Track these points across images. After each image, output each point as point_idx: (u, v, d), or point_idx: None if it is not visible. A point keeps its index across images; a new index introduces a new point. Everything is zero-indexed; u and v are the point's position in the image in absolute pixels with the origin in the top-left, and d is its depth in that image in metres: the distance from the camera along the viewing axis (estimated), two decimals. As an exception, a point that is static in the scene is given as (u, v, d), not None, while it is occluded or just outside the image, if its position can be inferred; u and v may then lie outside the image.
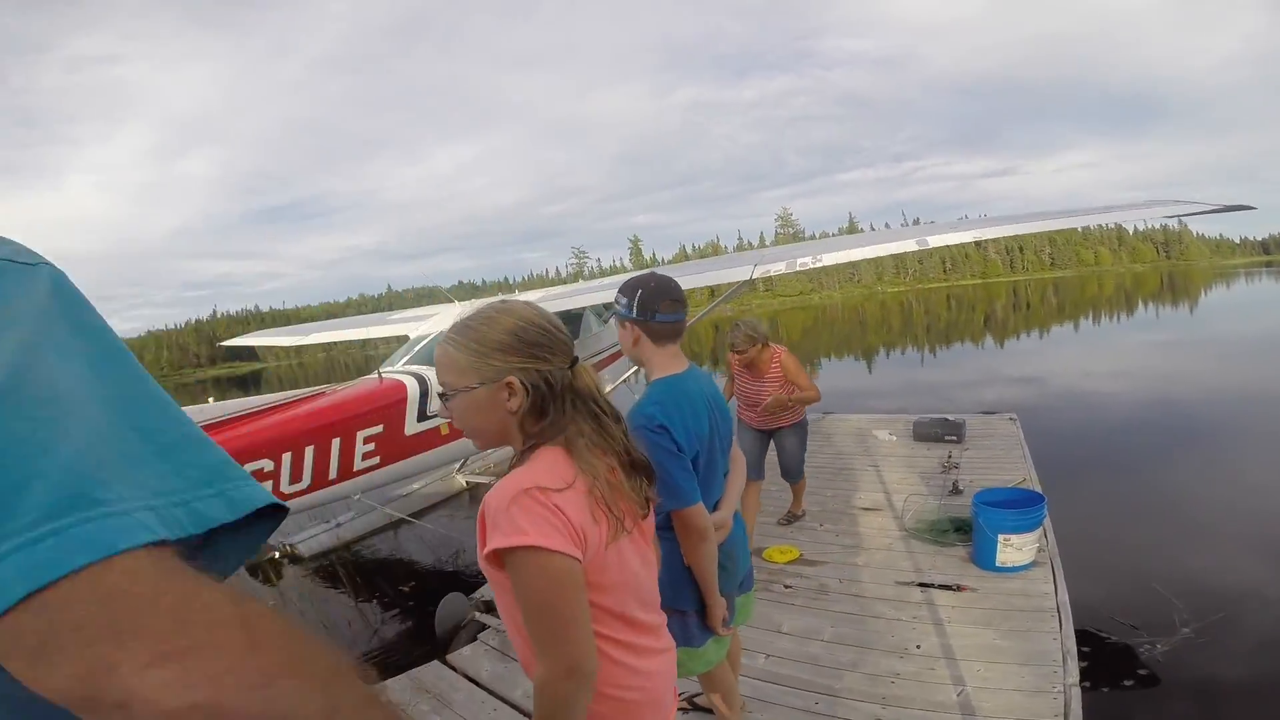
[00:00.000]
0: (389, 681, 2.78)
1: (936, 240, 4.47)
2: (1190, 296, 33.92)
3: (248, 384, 45.88)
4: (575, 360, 1.06)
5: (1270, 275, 52.79)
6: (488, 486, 4.46)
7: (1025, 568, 3.19)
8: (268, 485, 2.62)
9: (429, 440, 4.41)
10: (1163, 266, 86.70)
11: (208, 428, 3.55)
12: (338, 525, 5.51)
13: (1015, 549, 3.13)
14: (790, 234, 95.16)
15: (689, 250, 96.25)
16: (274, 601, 4.69)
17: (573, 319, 5.87)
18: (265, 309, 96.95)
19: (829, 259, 4.68)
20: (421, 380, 4.39)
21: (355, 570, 5.25)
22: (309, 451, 3.68)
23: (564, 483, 0.95)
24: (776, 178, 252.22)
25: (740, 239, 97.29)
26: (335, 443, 3.83)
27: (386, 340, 7.44)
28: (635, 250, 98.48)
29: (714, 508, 1.66)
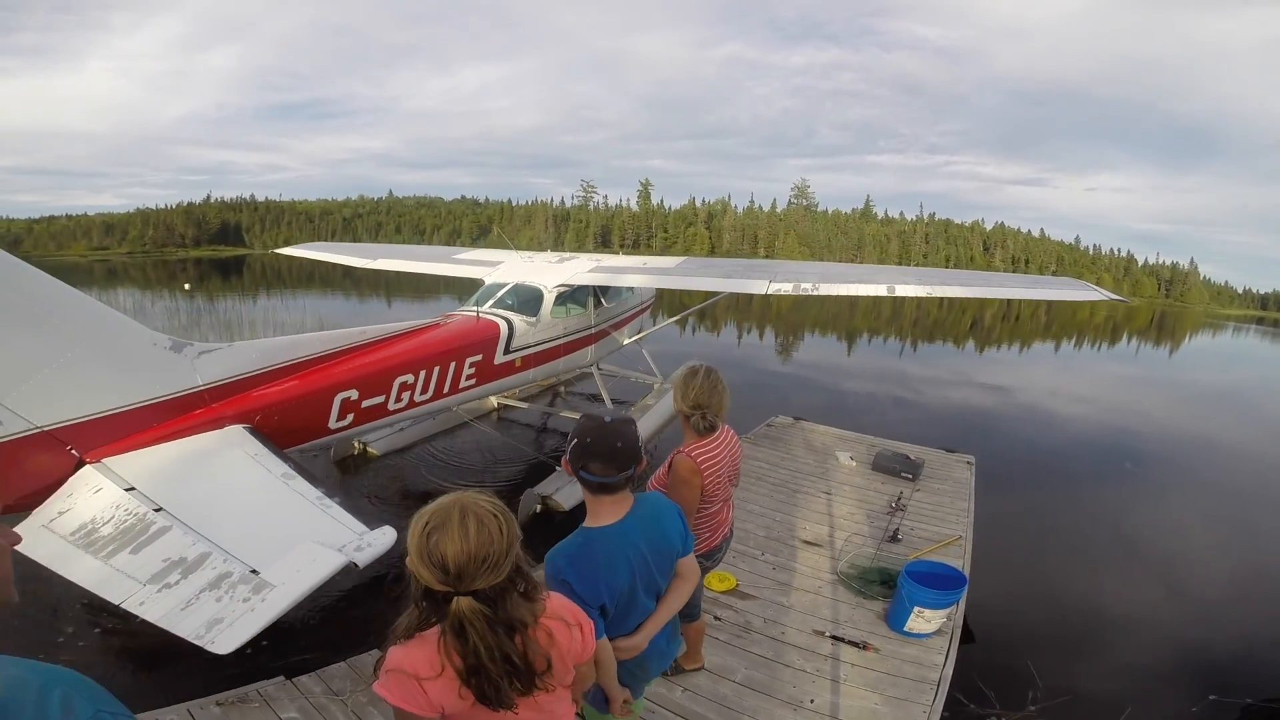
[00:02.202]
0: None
1: (901, 290, 5.50)
2: (1174, 339, 34.41)
3: (229, 269, 45.06)
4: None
5: (1258, 332, 53.52)
6: (514, 409, 6.67)
7: (928, 636, 3.50)
8: (408, 395, 4.49)
9: (507, 369, 5.86)
10: (1159, 304, 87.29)
11: (369, 346, 4.56)
12: (401, 429, 6.75)
13: (925, 620, 3.43)
14: (804, 205, 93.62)
15: (698, 204, 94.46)
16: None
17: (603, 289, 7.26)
18: (261, 199, 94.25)
19: (825, 289, 5.65)
20: (508, 323, 5.83)
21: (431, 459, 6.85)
22: (436, 370, 4.93)
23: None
24: (803, 147, 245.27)
25: (752, 201, 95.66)
26: (452, 365, 5.11)
27: (448, 279, 8.80)
28: (644, 194, 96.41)
29: (634, 628, 1.84)
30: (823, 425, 7.74)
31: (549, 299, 6.43)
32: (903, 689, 3.12)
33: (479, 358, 5.41)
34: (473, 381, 5.39)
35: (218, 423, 3.62)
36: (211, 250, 77.15)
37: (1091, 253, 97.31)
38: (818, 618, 3.71)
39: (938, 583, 3.44)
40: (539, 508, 5.46)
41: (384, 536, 2.94)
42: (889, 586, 3.90)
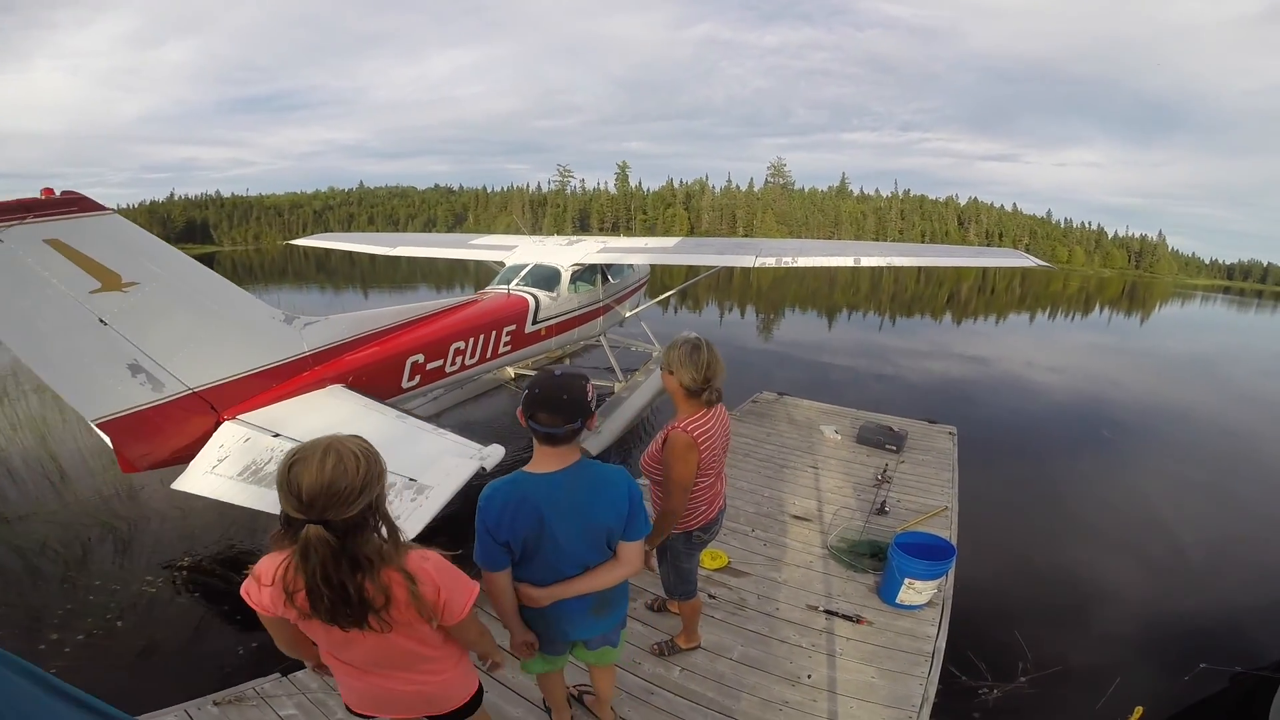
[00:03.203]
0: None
1: (867, 261, 6.61)
2: (1145, 309, 35.16)
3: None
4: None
5: (1225, 301, 54.97)
6: (526, 377, 7.94)
7: (919, 608, 3.54)
8: (460, 359, 5.28)
9: (535, 338, 6.62)
10: (1130, 275, 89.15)
11: (429, 318, 5.26)
12: (434, 399, 7.32)
13: (916, 592, 3.46)
14: (780, 184, 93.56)
15: (676, 185, 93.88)
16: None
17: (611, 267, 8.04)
18: (227, 194, 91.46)
19: (803, 262, 6.63)
20: (534, 298, 6.59)
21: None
22: (481, 338, 5.69)
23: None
24: (778, 126, 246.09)
25: (730, 180, 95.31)
26: (492, 334, 5.85)
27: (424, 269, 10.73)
28: (622, 176, 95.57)
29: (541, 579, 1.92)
30: (807, 400, 7.81)
31: (565, 276, 7.18)
32: (898, 661, 3.15)
33: (513, 328, 6.24)
34: (509, 348, 6.20)
35: (321, 383, 4.24)
36: (179, 249, 75.21)
37: (1063, 226, 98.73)
38: (810, 592, 3.73)
39: (927, 554, 3.47)
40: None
41: (497, 451, 3.52)
42: (879, 559, 3.94)
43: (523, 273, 7.10)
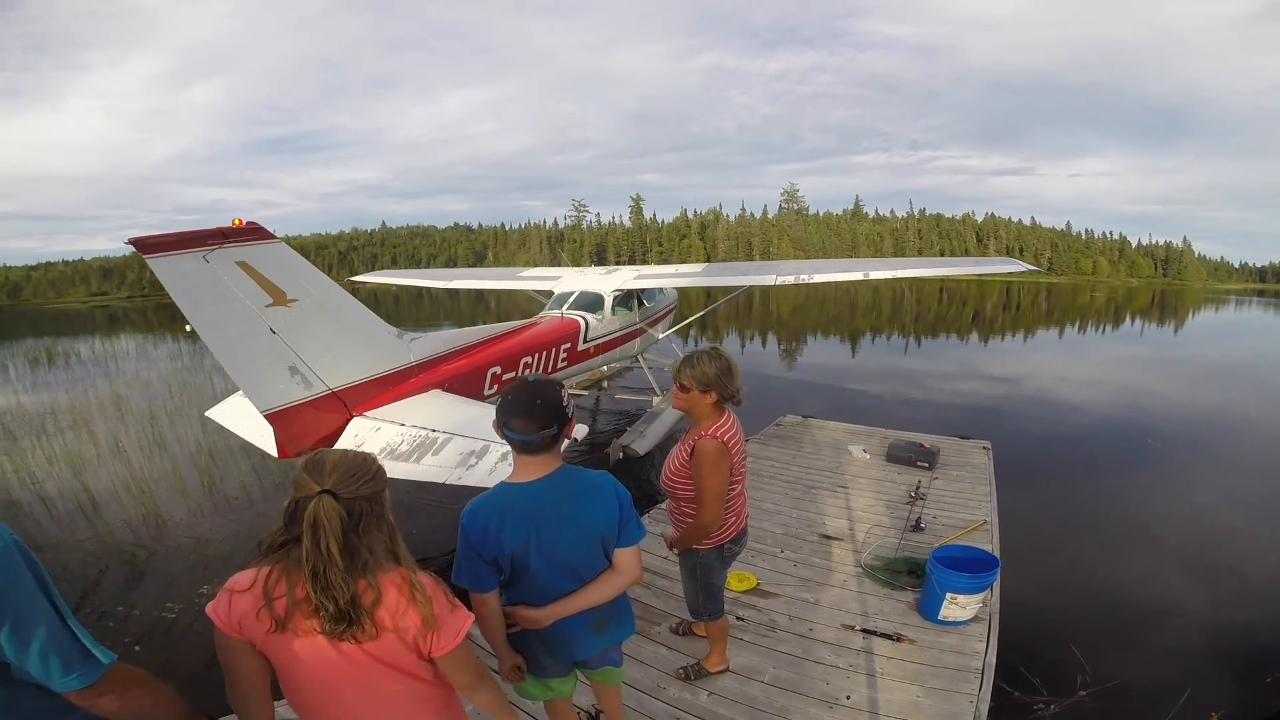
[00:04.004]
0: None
1: (876, 273, 7.34)
2: (1178, 317, 34.24)
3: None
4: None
5: (1260, 304, 53.43)
6: (576, 395, 8.44)
7: (964, 623, 3.34)
8: (528, 373, 5.85)
9: (586, 355, 7.32)
10: (1158, 283, 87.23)
11: (503, 336, 6.05)
12: None
13: (959, 607, 3.27)
14: (794, 210, 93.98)
15: (690, 215, 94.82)
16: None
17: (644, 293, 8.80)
18: None
19: (818, 278, 7.30)
20: (584, 320, 7.34)
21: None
22: (541, 355, 6.36)
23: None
24: (788, 152, 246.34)
25: (744, 209, 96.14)
26: (553, 351, 6.57)
27: (509, 291, 10.29)
28: (636, 209, 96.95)
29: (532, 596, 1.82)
30: (833, 421, 7.65)
31: (609, 301, 7.90)
32: (944, 679, 2.96)
33: (569, 345, 6.94)
34: (565, 363, 6.89)
35: (424, 388, 4.83)
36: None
37: (1084, 237, 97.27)
38: (846, 612, 3.55)
39: (969, 566, 3.28)
40: (621, 454, 6.93)
41: (582, 429, 4.04)
42: (917, 576, 3.76)
43: (571, 299, 7.84)
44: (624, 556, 1.85)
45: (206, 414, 5.39)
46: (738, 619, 3.48)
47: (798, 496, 5.31)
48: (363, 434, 4.32)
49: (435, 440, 4.09)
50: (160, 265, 3.48)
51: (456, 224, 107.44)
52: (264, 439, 4.63)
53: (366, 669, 1.39)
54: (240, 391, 4.76)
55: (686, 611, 3.13)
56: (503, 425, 1.74)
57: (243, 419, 4.99)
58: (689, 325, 10.67)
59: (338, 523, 1.30)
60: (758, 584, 3.84)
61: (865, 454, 6.33)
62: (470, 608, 1.55)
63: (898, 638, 3.26)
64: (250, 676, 1.40)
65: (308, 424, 4.21)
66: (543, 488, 1.75)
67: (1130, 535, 5.79)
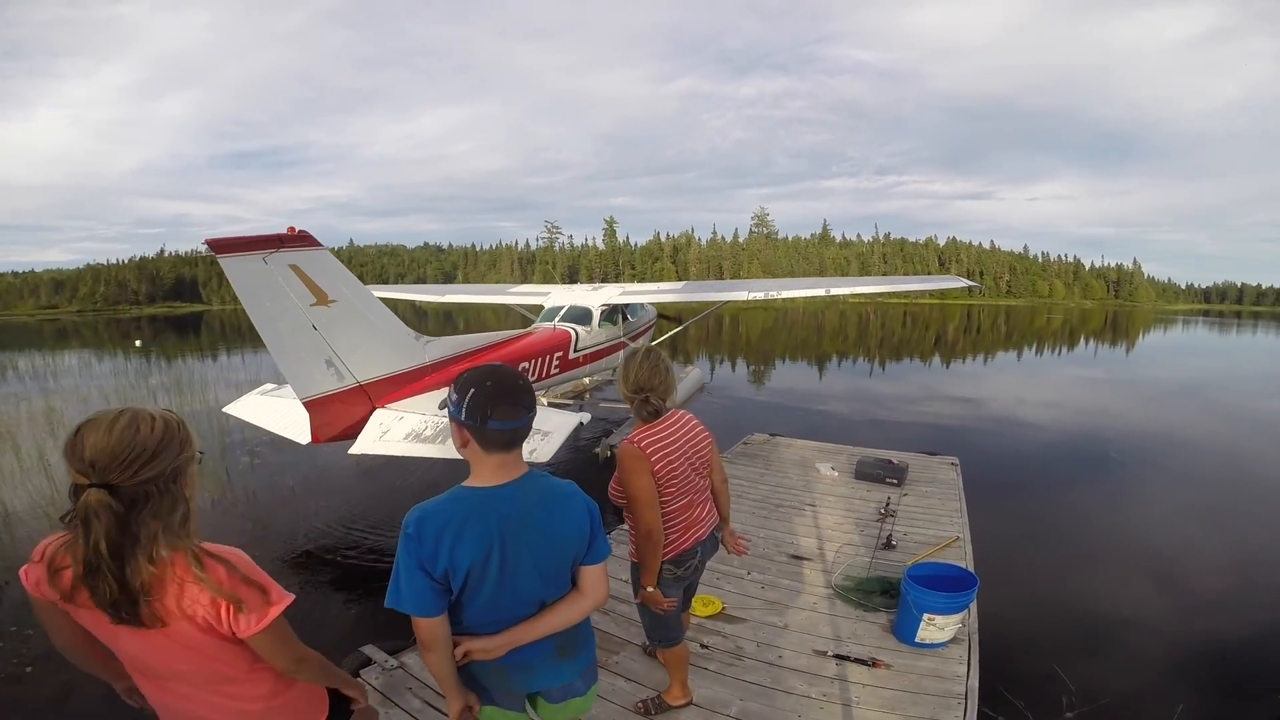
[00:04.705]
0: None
1: (836, 290, 8.59)
2: (1129, 338, 35.48)
3: (186, 325, 43.45)
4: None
5: (1205, 324, 55.90)
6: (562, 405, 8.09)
7: (943, 645, 3.15)
8: (528, 375, 6.16)
9: (576, 364, 7.82)
10: (1110, 305, 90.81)
11: (505, 342, 6.71)
12: None
13: (938, 628, 3.08)
14: (764, 234, 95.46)
15: (663, 239, 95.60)
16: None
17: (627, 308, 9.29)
18: None
19: (785, 294, 8.66)
20: (575, 331, 7.82)
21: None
22: (537, 361, 6.88)
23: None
24: (759, 176, 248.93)
25: (715, 233, 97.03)
26: (545, 358, 7.05)
27: (492, 306, 11.95)
28: (610, 231, 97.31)
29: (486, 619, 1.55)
30: (800, 440, 7.54)
31: (596, 315, 8.41)
32: (926, 706, 2.76)
33: (561, 354, 7.41)
34: (558, 369, 7.36)
35: (437, 385, 5.18)
36: (167, 307, 74.48)
37: (1041, 260, 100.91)
38: (817, 636, 3.33)
39: (945, 585, 3.10)
40: (610, 453, 7.30)
41: (586, 415, 4.90)
42: (891, 596, 3.57)
43: (561, 312, 8.32)
44: (591, 575, 1.63)
45: (224, 409, 6.06)
46: (701, 646, 3.24)
47: (765, 516, 5.12)
48: (387, 423, 4.83)
49: None
50: (228, 264, 3.93)
51: (426, 243, 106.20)
52: (286, 428, 5.31)
53: (165, 649, 1.30)
54: (257, 390, 6.04)
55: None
56: (481, 418, 1.46)
57: (263, 412, 5.73)
58: (666, 340, 10.99)
59: (108, 519, 1.18)
60: (723, 608, 3.60)
61: (833, 471, 6.19)
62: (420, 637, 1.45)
63: (873, 663, 3.05)
64: (64, 631, 1.38)
65: (338, 412, 4.72)
66: (510, 493, 1.52)
67: (1100, 548, 5.76)
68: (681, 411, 2.49)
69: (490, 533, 1.47)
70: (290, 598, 1.36)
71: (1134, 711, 3.39)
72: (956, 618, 3.08)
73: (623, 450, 2.27)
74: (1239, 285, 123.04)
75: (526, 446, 4.21)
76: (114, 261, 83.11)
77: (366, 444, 4.78)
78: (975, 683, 2.89)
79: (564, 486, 1.62)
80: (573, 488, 1.63)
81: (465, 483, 1.54)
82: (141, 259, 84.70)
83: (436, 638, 1.48)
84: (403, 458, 4.80)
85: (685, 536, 2.41)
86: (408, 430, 4.70)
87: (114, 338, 31.79)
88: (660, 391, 2.34)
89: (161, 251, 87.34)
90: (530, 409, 1.54)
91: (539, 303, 9.28)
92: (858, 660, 3.07)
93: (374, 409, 4.86)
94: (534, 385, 6.23)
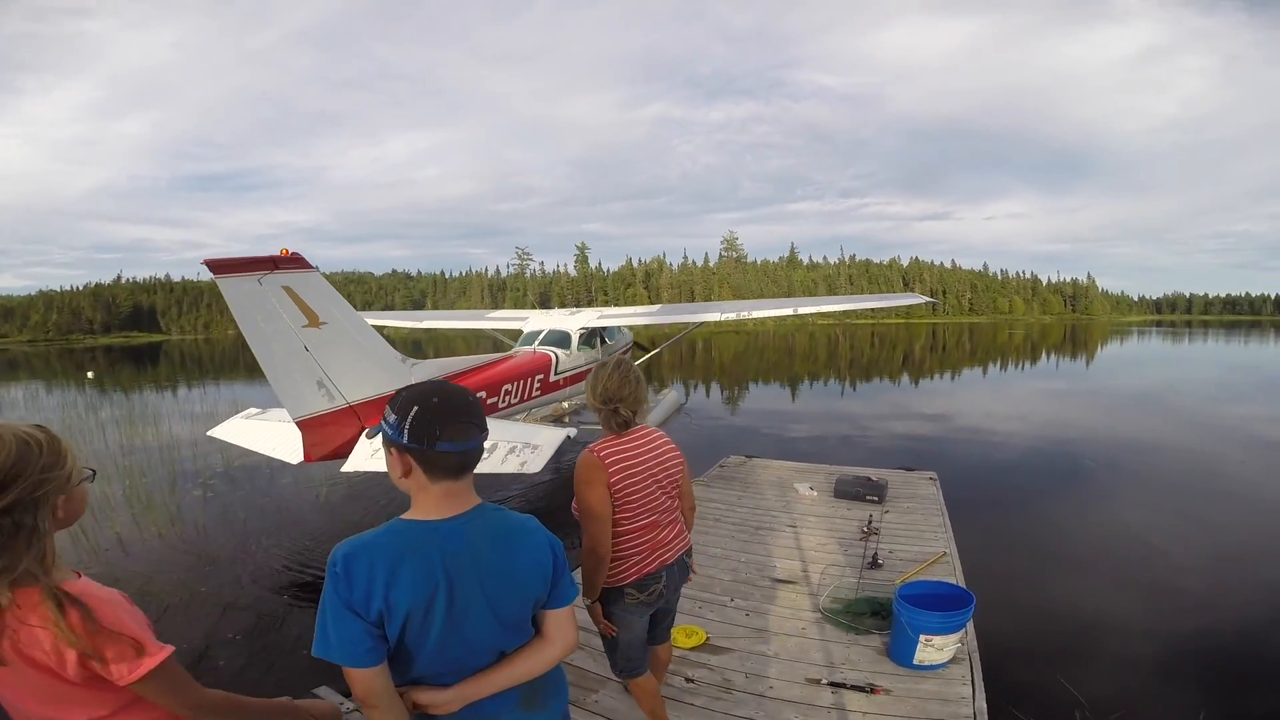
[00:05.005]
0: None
1: (804, 309, 9.82)
2: (1088, 351, 36.55)
3: (144, 356, 41.83)
4: None
5: (1159, 334, 58.11)
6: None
7: (943, 666, 3.00)
8: (510, 399, 7.03)
9: (556, 386, 7.85)
10: (1068, 319, 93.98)
11: (489, 365, 7.06)
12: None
13: (936, 649, 2.92)
14: (734, 258, 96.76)
15: (635, 264, 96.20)
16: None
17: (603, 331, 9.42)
18: (177, 278, 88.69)
19: (756, 314, 8.95)
20: (555, 355, 7.90)
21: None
22: (519, 384, 6.98)
23: None
24: (728, 201, 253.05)
25: (686, 258, 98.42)
26: (527, 380, 7.13)
27: (464, 334, 12.07)
28: (582, 257, 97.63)
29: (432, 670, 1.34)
30: (776, 460, 7.42)
31: (575, 339, 8.54)
32: (930, 734, 2.58)
33: (542, 376, 7.50)
34: (539, 391, 7.44)
35: None
36: (124, 336, 71.75)
37: (1000, 278, 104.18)
38: (808, 664, 3.14)
39: (940, 604, 2.95)
40: None
41: (573, 430, 5.18)
42: (882, 618, 3.41)
43: (540, 336, 8.48)
44: (557, 620, 1.43)
45: (208, 433, 6.08)
46: (687, 680, 3.02)
47: (745, 539, 4.94)
48: (377, 443, 4.95)
49: None
50: (225, 284, 4.05)
51: (394, 270, 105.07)
52: (275, 449, 5.43)
53: (15, 687, 1.18)
54: (241, 414, 6.12)
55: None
56: (427, 440, 1.26)
57: (250, 435, 5.81)
58: (642, 364, 11.08)
59: None
60: (707, 638, 3.39)
61: (812, 491, 6.05)
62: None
63: (871, 689, 2.87)
64: None
65: (329, 432, 4.79)
66: (458, 528, 1.30)
67: (1084, 555, 5.73)
68: (654, 429, 2.35)
69: (433, 572, 1.26)
70: (166, 651, 1.21)
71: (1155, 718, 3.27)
72: (955, 637, 2.93)
73: (580, 459, 2.14)
74: (1188, 296, 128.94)
75: (516, 459, 4.23)
76: (68, 288, 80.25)
77: (358, 462, 4.89)
78: (983, 704, 2.73)
79: (522, 521, 1.43)
80: (533, 523, 1.44)
81: (405, 515, 1.33)
82: (97, 285, 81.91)
83: (375, 691, 1.24)
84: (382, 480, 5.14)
85: (649, 559, 2.23)
86: None
87: (67, 369, 30.44)
88: (630, 402, 2.20)
89: (119, 278, 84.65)
90: (483, 429, 1.35)
91: (517, 327, 9.35)
92: (855, 687, 2.89)
93: (364, 429, 4.93)
94: (516, 407, 6.07)
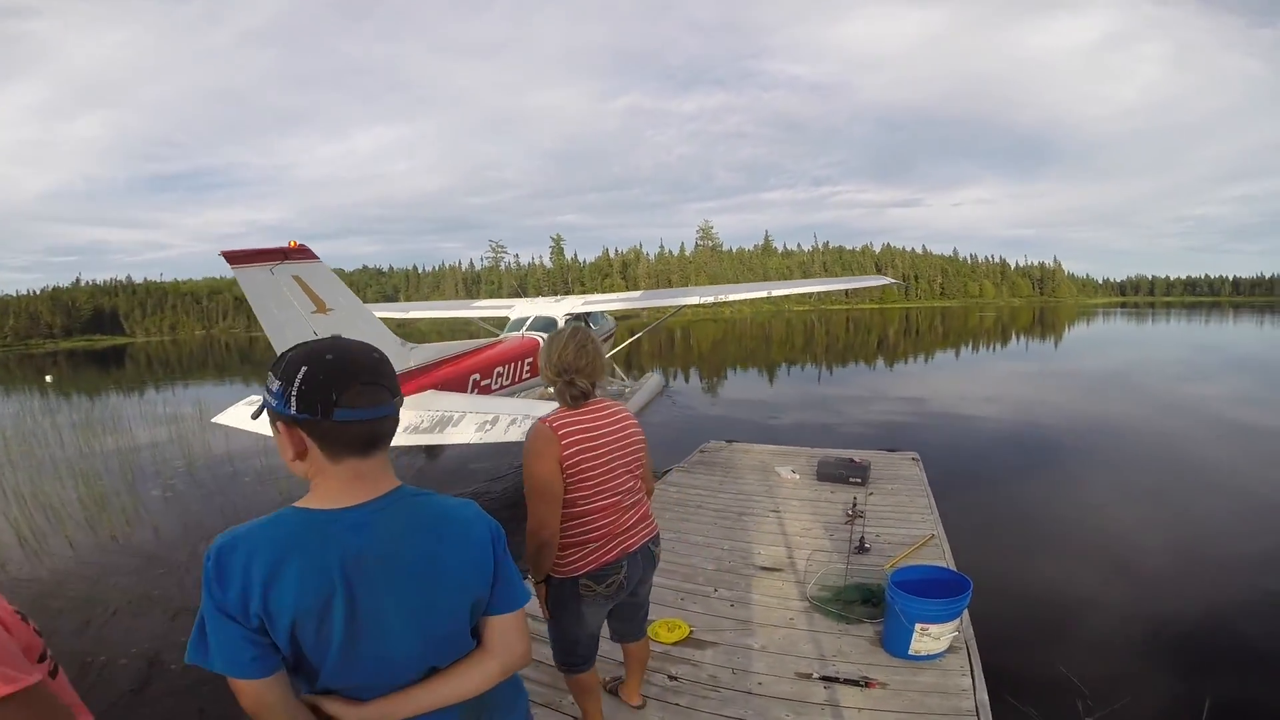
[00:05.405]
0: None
1: (777, 291, 10.17)
2: (1056, 333, 37.19)
3: (108, 359, 40.39)
4: None
5: (1124, 315, 59.53)
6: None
7: (940, 656, 2.84)
8: (502, 380, 7.48)
9: None
10: (1036, 301, 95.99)
11: (481, 349, 7.26)
12: None
13: (932, 638, 2.77)
14: (710, 247, 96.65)
15: (611, 254, 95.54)
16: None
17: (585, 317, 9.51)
18: (139, 279, 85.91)
19: (733, 297, 9.22)
20: (543, 339, 7.10)
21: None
22: (510, 367, 7.25)
23: None
24: (703, 190, 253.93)
25: (662, 247, 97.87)
26: (516, 364, 7.39)
27: (463, 319, 11.62)
28: (557, 249, 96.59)
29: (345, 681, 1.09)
30: (758, 444, 7.27)
31: (561, 323, 8.74)
32: (930, 730, 2.42)
33: (531, 360, 7.70)
34: (528, 374, 7.67)
35: (422, 388, 5.77)
36: (86, 340, 69.34)
37: (970, 262, 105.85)
38: (799, 657, 2.96)
39: (935, 590, 2.80)
40: None
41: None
42: (873, 605, 3.25)
43: (528, 322, 8.75)
44: (501, 628, 1.17)
45: (213, 420, 6.11)
46: (670, 678, 2.82)
47: (728, 526, 4.76)
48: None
49: (452, 417, 5.24)
50: (240, 274, 4.40)
51: (365, 266, 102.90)
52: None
53: None
54: (244, 400, 6.29)
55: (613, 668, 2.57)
56: (321, 408, 1.01)
57: (256, 421, 6.31)
58: (625, 348, 11.79)
59: None
60: (690, 632, 3.20)
61: (794, 474, 5.91)
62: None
63: (866, 683, 2.70)
64: None
65: None
66: (364, 518, 1.05)
67: (1072, 535, 5.64)
68: (614, 401, 2.15)
69: (326, 573, 1.02)
70: (28, 681, 0.95)
71: (1159, 709, 3.16)
72: (951, 625, 2.78)
73: (530, 430, 1.94)
74: (1150, 278, 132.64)
75: (518, 429, 4.49)
76: (24, 293, 77.07)
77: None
78: (985, 695, 2.57)
79: (455, 507, 1.16)
80: (470, 509, 1.18)
81: (301, 502, 1.08)
82: (55, 289, 78.84)
83: (267, 705, 1.02)
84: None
85: (608, 547, 2.02)
86: (406, 424, 5.06)
87: (28, 374, 29.24)
88: (587, 372, 2.00)
89: (78, 280, 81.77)
90: (395, 392, 1.09)
91: (504, 315, 9.74)
92: (848, 681, 2.72)
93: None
94: (507, 389, 6.15)
